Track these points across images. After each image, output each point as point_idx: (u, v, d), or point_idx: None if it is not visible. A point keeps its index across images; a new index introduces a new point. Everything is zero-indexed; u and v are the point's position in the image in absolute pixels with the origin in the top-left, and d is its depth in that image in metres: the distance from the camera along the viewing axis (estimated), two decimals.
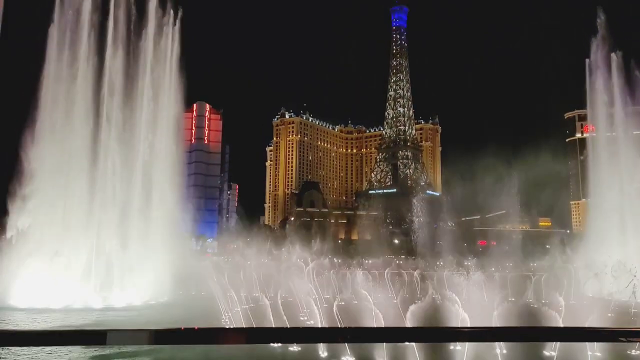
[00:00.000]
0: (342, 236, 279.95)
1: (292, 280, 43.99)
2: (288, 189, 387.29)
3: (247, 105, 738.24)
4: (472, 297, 34.10)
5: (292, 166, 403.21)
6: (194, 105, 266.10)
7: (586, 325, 25.37)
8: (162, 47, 61.04)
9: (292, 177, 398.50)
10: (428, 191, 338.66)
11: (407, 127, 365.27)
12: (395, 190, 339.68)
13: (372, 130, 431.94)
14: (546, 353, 22.71)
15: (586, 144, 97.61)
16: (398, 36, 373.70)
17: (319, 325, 28.47)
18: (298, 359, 23.43)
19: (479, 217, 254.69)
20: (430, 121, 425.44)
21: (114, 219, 52.34)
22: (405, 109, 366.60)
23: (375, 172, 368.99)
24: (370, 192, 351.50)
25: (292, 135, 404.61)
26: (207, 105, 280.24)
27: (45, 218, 50.04)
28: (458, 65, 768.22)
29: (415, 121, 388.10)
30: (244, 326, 30.96)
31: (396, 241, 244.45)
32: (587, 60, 73.35)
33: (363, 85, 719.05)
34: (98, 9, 55.96)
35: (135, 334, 3.80)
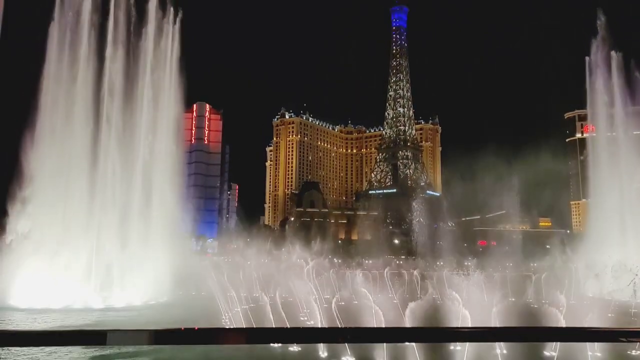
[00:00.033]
0: (342, 236, 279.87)
1: (292, 280, 43.99)
2: (288, 189, 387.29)
3: (247, 105, 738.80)
4: (472, 296, 34.11)
5: (292, 166, 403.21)
6: (194, 105, 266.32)
7: (586, 325, 25.39)
8: (162, 48, 61.06)
9: (292, 177, 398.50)
10: (428, 191, 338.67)
11: (407, 127, 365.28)
12: (395, 190, 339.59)
13: (372, 131, 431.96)
14: (546, 353, 22.71)
15: (586, 144, 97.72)
16: (398, 36, 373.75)
17: (319, 325, 28.47)
18: (298, 359, 23.44)
19: (479, 217, 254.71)
20: (430, 121, 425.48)
21: (114, 220, 52.31)
22: (405, 109, 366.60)
23: (375, 172, 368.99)
24: (370, 192, 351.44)
25: (292, 135, 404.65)
26: (207, 106, 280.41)
27: (45, 218, 50.00)
28: (458, 65, 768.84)
29: (415, 121, 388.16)
30: (244, 326, 30.96)
31: (396, 241, 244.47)
32: (587, 59, 73.42)
33: (363, 85, 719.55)
34: (98, 9, 55.97)
35: (135, 334, 3.80)
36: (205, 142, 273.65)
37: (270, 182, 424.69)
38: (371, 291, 34.54)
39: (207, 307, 38.40)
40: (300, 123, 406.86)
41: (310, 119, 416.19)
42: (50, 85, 54.01)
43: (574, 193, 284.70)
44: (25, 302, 43.72)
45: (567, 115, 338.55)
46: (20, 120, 53.54)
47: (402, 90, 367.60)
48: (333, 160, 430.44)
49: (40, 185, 50.99)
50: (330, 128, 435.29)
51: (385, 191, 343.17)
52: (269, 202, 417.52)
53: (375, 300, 28.74)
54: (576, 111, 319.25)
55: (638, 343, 22.19)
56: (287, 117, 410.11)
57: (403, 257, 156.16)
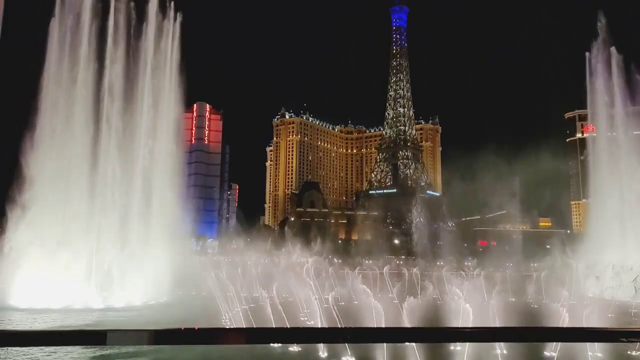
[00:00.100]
0: (342, 236, 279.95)
1: (291, 280, 44.02)
2: (288, 189, 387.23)
3: (247, 105, 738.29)
4: (472, 293, 34.16)
5: (292, 166, 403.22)
6: (194, 105, 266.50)
7: (586, 325, 25.39)
8: (163, 48, 61.06)
9: (292, 177, 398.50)
10: (428, 191, 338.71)
11: (407, 127, 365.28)
12: (395, 190, 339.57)
13: (372, 131, 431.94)
14: (547, 353, 22.72)
15: (586, 144, 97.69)
16: (398, 36, 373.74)
17: (319, 325, 28.48)
18: (298, 359, 23.45)
19: (479, 217, 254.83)
20: (431, 121, 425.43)
21: (114, 220, 52.32)
22: (406, 109, 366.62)
23: (375, 172, 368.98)
24: (370, 192, 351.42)
25: (292, 135, 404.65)
26: (207, 106, 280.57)
27: (45, 218, 49.94)
28: (458, 65, 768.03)
29: (416, 121, 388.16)
30: (244, 326, 30.97)
31: (396, 241, 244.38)
32: (587, 54, 73.36)
33: (363, 85, 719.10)
34: (98, 10, 55.93)
35: (135, 334, 3.80)
36: (206, 142, 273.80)
37: (270, 182, 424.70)
38: (370, 287, 34.58)
39: (207, 307, 38.42)
40: (301, 123, 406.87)
41: (311, 119, 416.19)
42: (50, 85, 53.99)
43: (574, 193, 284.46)
44: (25, 302, 43.73)
45: (567, 115, 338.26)
46: (22, 119, 53.57)
47: (402, 90, 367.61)
48: (333, 160, 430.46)
49: (40, 185, 50.95)
50: (331, 128, 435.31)
51: (385, 191, 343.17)
52: (269, 202, 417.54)
53: (375, 296, 28.79)
54: (576, 111, 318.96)
55: (638, 343, 22.18)
56: (287, 117, 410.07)
57: (403, 257, 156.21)
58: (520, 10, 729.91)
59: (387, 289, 53.22)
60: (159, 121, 59.69)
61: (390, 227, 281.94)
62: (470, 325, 22.27)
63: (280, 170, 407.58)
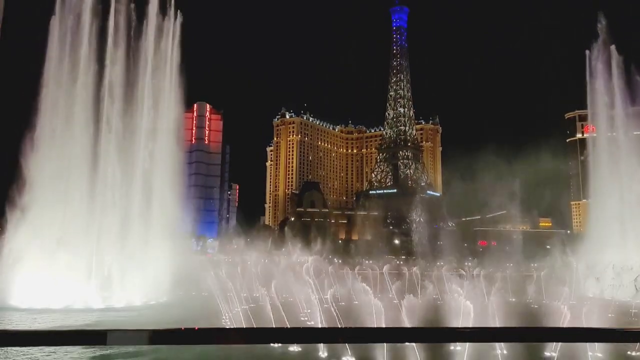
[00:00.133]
0: (343, 236, 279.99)
1: (291, 279, 44.03)
2: (288, 189, 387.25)
3: (247, 105, 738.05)
4: (472, 291, 34.21)
5: (292, 166, 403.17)
6: (195, 105, 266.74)
7: (586, 325, 25.38)
8: (163, 48, 61.08)
9: (292, 177, 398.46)
10: (428, 191, 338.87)
11: (407, 128, 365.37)
12: (395, 190, 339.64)
13: (373, 131, 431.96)
14: (547, 353, 22.72)
15: (587, 145, 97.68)
16: (398, 36, 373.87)
17: (319, 325, 28.49)
18: (298, 359, 23.45)
19: (479, 217, 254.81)
20: (431, 121, 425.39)
21: (114, 220, 52.33)
22: (406, 109, 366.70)
23: (375, 173, 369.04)
24: (370, 192, 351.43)
25: (293, 135, 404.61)
26: (208, 106, 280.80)
27: (46, 219, 49.95)
28: (458, 65, 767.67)
29: (416, 121, 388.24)
30: (244, 326, 30.98)
31: (396, 241, 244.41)
32: (587, 52, 73.39)
33: (363, 85, 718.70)
34: (98, 10, 55.95)
35: (135, 334, 3.80)
36: (206, 142, 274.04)
37: (270, 182, 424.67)
38: (370, 287, 34.62)
39: (207, 307, 38.43)
40: (301, 123, 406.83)
41: (311, 119, 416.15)
42: (50, 86, 54.00)
43: (574, 193, 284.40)
44: (25, 302, 43.75)
45: (567, 115, 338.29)
46: (22, 119, 53.58)
47: (403, 90, 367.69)
48: (333, 160, 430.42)
49: (40, 185, 50.96)
50: (331, 128, 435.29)
51: (385, 191, 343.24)
52: (269, 202, 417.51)
53: (375, 295, 28.81)
54: (576, 111, 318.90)
55: (638, 343, 22.18)
56: (287, 117, 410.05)
57: (403, 257, 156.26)
58: (520, 10, 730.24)
59: (387, 288, 53.25)
60: (159, 121, 59.71)
61: (391, 227, 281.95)
62: (470, 325, 22.29)
63: (281, 170, 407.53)
